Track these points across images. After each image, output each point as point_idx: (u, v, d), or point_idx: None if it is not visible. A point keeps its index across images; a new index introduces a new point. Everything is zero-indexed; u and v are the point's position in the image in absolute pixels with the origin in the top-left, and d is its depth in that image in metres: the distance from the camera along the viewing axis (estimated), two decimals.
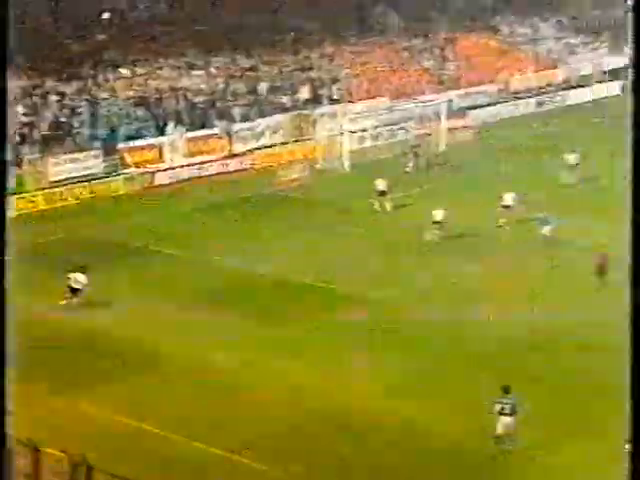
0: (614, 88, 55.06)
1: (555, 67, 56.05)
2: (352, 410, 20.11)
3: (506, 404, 18.12)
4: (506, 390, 18.36)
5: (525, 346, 23.07)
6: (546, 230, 30.03)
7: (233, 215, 34.82)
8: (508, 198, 32.13)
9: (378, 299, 26.36)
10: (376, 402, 20.45)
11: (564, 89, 54.27)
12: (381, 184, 34.59)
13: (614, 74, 56.06)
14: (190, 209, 35.73)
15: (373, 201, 34.60)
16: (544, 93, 53.32)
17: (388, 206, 34.30)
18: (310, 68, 49.42)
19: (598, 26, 60.99)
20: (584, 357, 22.17)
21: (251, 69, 48.00)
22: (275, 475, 17.72)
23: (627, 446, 4.41)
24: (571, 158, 37.88)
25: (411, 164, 40.31)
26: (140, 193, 37.86)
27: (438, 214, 30.84)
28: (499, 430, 18.16)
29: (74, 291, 25.28)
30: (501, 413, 18.14)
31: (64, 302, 25.17)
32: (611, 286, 25.20)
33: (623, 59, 57.35)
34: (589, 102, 53.32)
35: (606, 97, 53.88)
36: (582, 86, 55.05)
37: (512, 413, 18.10)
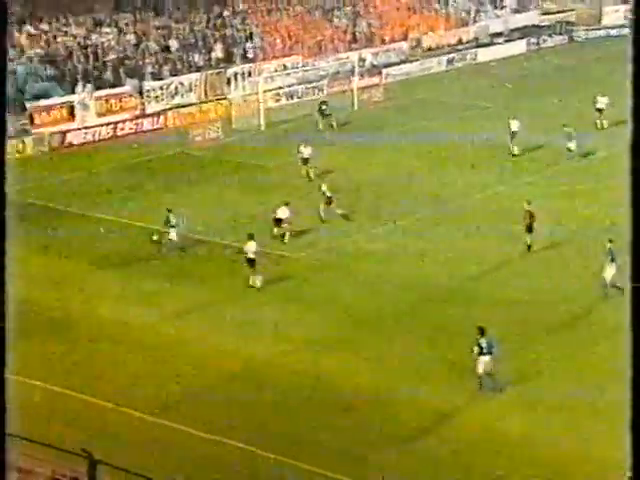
0: (521, 46, 55.89)
1: (465, 25, 56.38)
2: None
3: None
4: (482, 331, 18.88)
5: None
6: None
7: (148, 175, 34.16)
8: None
9: (297, 258, 26.36)
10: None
11: (474, 47, 54.67)
12: (305, 151, 33.11)
13: (520, 32, 56.95)
14: (104, 169, 34.90)
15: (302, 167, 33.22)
16: (455, 51, 53.58)
17: (312, 173, 32.96)
18: (223, 26, 48.51)
19: None
20: None
21: (162, 27, 46.83)
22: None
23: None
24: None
25: (322, 123, 39.81)
26: (50, 154, 36.74)
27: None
28: (479, 370, 18.67)
29: None
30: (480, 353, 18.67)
31: None
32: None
33: (528, 17, 58.40)
34: (499, 60, 53.89)
35: (513, 55, 54.66)
36: (491, 44, 55.56)
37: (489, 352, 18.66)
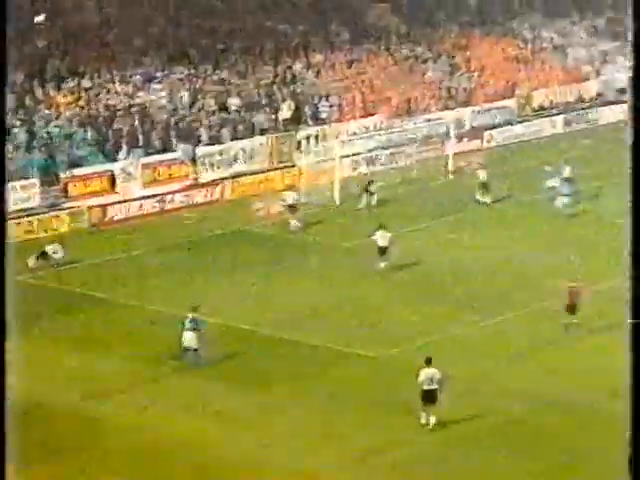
0: None
1: (587, 79, 57.22)
2: None
3: None
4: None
5: None
6: None
7: (201, 257, 35.39)
8: None
9: (387, 359, 27.20)
10: None
11: (598, 105, 55.32)
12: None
13: None
14: (150, 250, 36.21)
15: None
16: (574, 110, 54.36)
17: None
18: (293, 81, 50.27)
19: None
20: None
21: (221, 82, 48.74)
22: None
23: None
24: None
25: (363, 201, 40.76)
26: (89, 230, 38.37)
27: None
28: None
29: None
30: None
31: None
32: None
33: None
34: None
35: None
36: (620, 102, 56.11)
37: None
